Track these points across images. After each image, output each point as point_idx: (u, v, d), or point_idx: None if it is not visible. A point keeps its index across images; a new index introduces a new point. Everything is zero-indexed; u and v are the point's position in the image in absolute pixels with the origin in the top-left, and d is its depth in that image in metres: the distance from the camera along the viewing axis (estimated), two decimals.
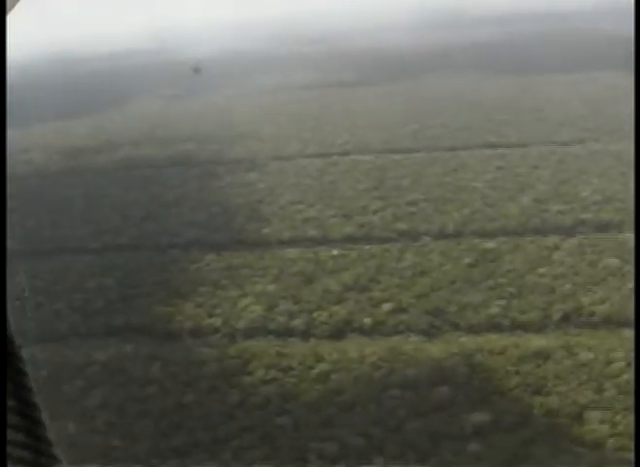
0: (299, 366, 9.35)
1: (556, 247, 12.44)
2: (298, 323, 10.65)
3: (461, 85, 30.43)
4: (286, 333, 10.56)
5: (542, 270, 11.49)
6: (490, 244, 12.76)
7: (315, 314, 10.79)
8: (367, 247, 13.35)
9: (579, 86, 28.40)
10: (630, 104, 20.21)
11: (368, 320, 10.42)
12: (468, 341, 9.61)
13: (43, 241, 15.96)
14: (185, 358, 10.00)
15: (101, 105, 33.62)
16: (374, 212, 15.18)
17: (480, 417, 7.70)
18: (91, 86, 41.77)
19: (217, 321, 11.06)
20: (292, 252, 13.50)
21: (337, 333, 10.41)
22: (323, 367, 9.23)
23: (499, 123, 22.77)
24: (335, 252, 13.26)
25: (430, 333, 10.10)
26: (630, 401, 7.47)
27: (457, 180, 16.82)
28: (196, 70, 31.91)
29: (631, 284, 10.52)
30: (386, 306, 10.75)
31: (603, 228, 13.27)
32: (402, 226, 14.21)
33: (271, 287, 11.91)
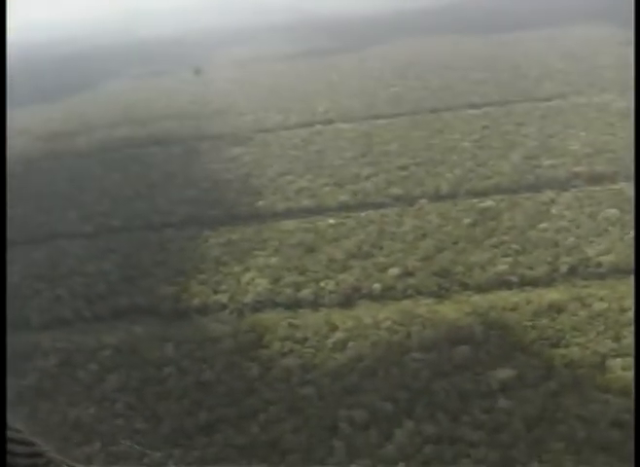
0: (314, 336, 9.34)
1: (553, 202, 12.50)
2: (306, 294, 10.62)
3: (435, 46, 30.36)
4: (295, 304, 10.53)
5: (543, 226, 11.55)
6: (488, 203, 12.78)
7: (322, 284, 10.77)
8: (363, 214, 13.30)
9: (553, 40, 28.45)
10: (608, 56, 20.25)
11: (377, 286, 10.42)
12: (479, 300, 9.65)
13: (33, 228, 15.70)
14: (197, 336, 9.95)
15: (72, 88, 33.07)
16: (367, 178, 15.12)
17: (504, 374, 7.76)
18: (60, 69, 41.06)
19: (223, 297, 11.00)
20: (289, 223, 13.43)
21: (347, 301, 10.40)
22: (339, 335, 9.23)
23: (478, 82, 22.76)
24: (332, 221, 13.20)
25: (440, 294, 10.13)
26: None
27: (445, 141, 16.79)
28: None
29: (632, 233, 10.63)
30: (393, 271, 10.75)
31: (597, 180, 13.34)
32: (396, 191, 14.17)
33: (274, 260, 11.86)
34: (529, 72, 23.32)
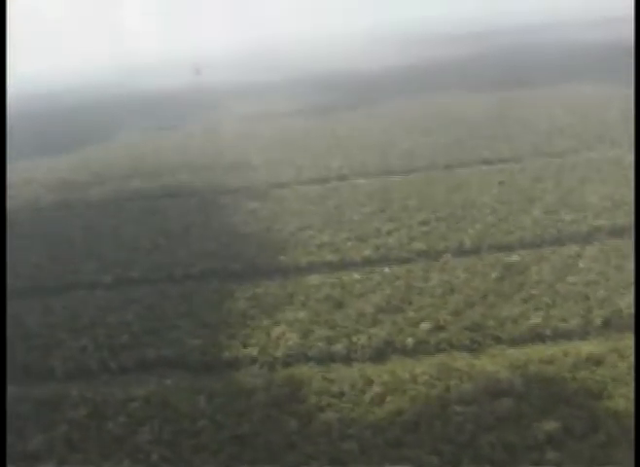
0: (350, 390, 9.25)
1: (579, 255, 12.55)
2: (338, 348, 10.56)
3: (443, 102, 30.85)
4: (327, 358, 10.46)
5: (572, 279, 11.57)
6: (513, 257, 12.82)
7: (354, 338, 10.71)
8: (388, 269, 13.30)
9: (558, 96, 28.97)
10: (615, 112, 20.59)
11: (409, 340, 10.37)
12: (515, 353, 9.61)
13: (51, 277, 15.66)
14: (230, 389, 9.84)
15: (79, 140, 33.36)
16: (388, 233, 15.18)
17: (550, 425, 7.68)
18: (68, 120, 41.53)
19: (253, 350, 10.91)
20: (314, 278, 13.41)
21: (380, 355, 10.34)
22: (376, 389, 9.14)
23: (489, 138, 23.07)
24: (357, 275, 13.20)
25: (474, 348, 10.08)
26: None
27: (463, 197, 16.92)
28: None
29: None
30: (424, 326, 10.71)
31: (619, 233, 13.44)
32: (419, 245, 14.22)
33: (302, 314, 11.81)
34: (538, 128, 23.68)
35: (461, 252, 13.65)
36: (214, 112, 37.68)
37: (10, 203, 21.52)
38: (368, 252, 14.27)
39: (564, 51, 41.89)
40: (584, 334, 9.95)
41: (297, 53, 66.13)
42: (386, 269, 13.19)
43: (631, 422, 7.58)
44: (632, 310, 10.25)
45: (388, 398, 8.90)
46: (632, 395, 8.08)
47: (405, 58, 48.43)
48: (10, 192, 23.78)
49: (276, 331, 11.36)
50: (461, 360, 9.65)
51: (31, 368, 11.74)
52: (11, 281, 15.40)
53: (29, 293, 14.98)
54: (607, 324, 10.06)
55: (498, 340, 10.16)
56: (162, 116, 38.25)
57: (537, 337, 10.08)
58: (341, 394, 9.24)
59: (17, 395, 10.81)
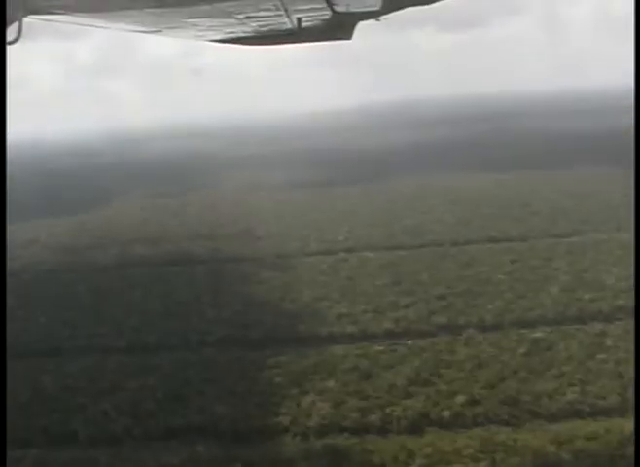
0: (393, 463, 9.13)
1: (604, 333, 12.65)
2: (373, 419, 10.45)
3: (442, 182, 31.32)
4: (362, 429, 10.33)
5: (601, 356, 11.63)
6: (537, 334, 12.88)
7: (388, 410, 10.61)
8: (410, 342, 13.30)
9: (555, 179, 29.63)
10: (610, 194, 20.94)
11: (446, 413, 10.29)
12: (557, 429, 9.57)
13: (62, 340, 15.40)
14: (266, 458, 9.66)
15: (80, 203, 33.27)
16: (406, 307, 15.21)
17: None
18: (65, 183, 41.43)
19: (285, 420, 10.77)
20: (337, 348, 13.36)
21: (415, 427, 10.24)
22: (420, 462, 9.05)
23: (493, 217, 23.36)
24: (380, 347, 13.19)
25: (512, 422, 10.03)
26: None
27: (477, 273, 17.04)
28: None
29: None
30: (459, 399, 10.67)
31: None
32: (440, 319, 14.26)
33: (331, 383, 11.73)
34: (539, 209, 24.09)
35: (483, 327, 13.70)
36: (210, 181, 37.96)
37: (14, 264, 21.33)
38: (388, 324, 14.28)
39: (556, 136, 43.17)
40: (622, 411, 9.93)
41: (288, 128, 67.44)
42: (409, 342, 13.19)
43: None
44: None
45: None
46: None
47: (399, 138, 49.46)
48: (14, 252, 23.64)
49: (306, 400, 11.23)
50: (502, 434, 9.58)
51: (52, 431, 11.44)
52: (22, 342, 15.16)
53: (43, 355, 14.74)
54: None
55: (536, 414, 10.14)
56: (159, 183, 38.43)
57: (575, 413, 10.07)
58: (384, 466, 9.10)
59: (41, 459, 10.54)
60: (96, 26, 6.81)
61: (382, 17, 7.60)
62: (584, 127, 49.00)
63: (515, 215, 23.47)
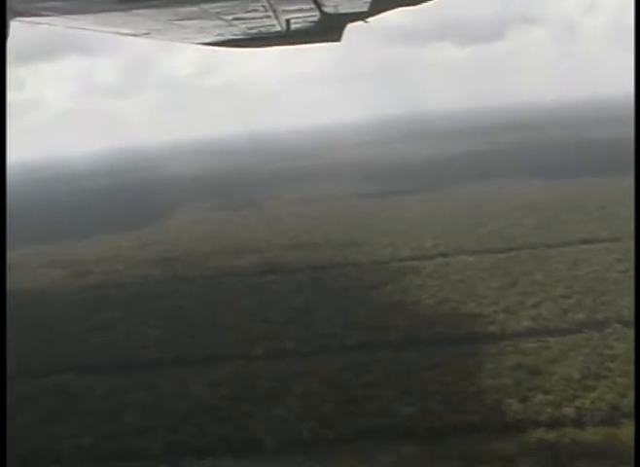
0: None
1: None
2: (567, 412, 10.71)
3: (503, 189, 31.70)
4: (558, 423, 10.61)
5: None
6: None
7: (578, 403, 10.87)
8: (559, 338, 13.59)
9: (617, 185, 29.92)
10: None
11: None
12: None
13: (194, 349, 15.69)
14: (479, 455, 9.88)
15: (142, 217, 33.56)
16: (535, 306, 15.56)
17: None
18: (113, 200, 41.83)
19: (474, 417, 11.05)
20: (487, 347, 13.68)
21: (609, 419, 10.50)
22: None
23: (571, 220, 23.71)
24: (532, 345, 13.46)
25: None
26: None
27: (590, 273, 17.41)
28: None
29: None
30: None
31: None
32: (577, 316, 14.56)
33: (504, 380, 12.04)
34: (616, 212, 24.39)
35: (625, 322, 13.95)
36: (262, 194, 38.18)
37: (95, 279, 21.57)
38: (527, 323, 14.56)
39: (595, 143, 43.56)
40: None
41: (311, 141, 67.77)
42: (562, 339, 13.48)
43: None
44: None
45: None
46: None
47: (438, 148, 49.78)
48: (96, 268, 23.94)
49: (490, 397, 11.48)
50: None
51: (233, 439, 11.63)
52: (155, 352, 15.42)
53: (180, 364, 14.99)
54: None
55: None
56: (211, 197, 38.62)
57: None
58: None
59: None
60: (84, 29, 6.59)
61: (370, 19, 7.34)
62: (621, 134, 49.32)
63: (595, 217, 23.80)
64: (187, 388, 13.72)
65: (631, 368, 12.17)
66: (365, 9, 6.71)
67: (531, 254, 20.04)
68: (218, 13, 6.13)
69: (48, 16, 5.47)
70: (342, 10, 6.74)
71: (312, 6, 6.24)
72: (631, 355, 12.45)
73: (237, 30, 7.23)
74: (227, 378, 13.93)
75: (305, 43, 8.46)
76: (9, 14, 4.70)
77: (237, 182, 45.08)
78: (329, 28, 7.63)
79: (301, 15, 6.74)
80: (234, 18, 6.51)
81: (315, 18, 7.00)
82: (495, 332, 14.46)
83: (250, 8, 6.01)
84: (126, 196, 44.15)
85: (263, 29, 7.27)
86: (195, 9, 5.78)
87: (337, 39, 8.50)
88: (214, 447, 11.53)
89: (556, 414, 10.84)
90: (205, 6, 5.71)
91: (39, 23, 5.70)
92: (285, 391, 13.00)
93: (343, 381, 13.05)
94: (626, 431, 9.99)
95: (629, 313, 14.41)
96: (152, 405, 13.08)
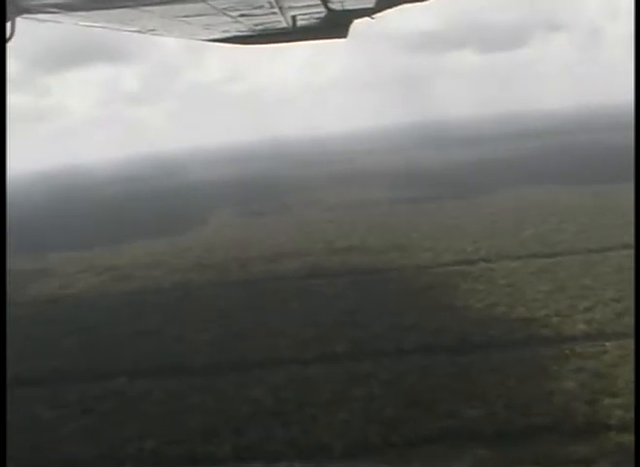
0: None
1: None
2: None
3: (538, 194, 31.78)
4: (631, 426, 10.61)
5: None
6: None
7: None
8: (609, 343, 13.66)
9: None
10: None
11: None
12: None
13: (240, 352, 15.79)
14: (555, 459, 9.94)
15: (176, 223, 33.87)
16: (588, 310, 15.59)
17: None
18: (141, 206, 42.16)
19: (544, 420, 11.06)
20: (544, 350, 13.78)
21: None
22: None
23: (612, 226, 23.59)
24: (589, 349, 13.52)
25: None
26: None
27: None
28: None
29: None
30: None
31: None
32: (632, 320, 14.52)
33: (570, 384, 12.14)
34: None
35: None
36: (293, 199, 38.43)
37: (141, 284, 21.77)
38: (581, 327, 14.60)
39: (622, 149, 43.33)
40: None
41: (332, 148, 68.21)
42: (618, 343, 13.53)
43: None
44: None
45: None
46: None
47: (464, 154, 49.86)
48: (133, 273, 24.20)
49: (557, 400, 11.53)
50: None
51: (301, 444, 11.68)
52: (207, 356, 15.58)
53: (234, 368, 15.10)
54: None
55: None
56: (243, 203, 38.90)
57: None
58: None
59: None
60: (90, 26, 6.70)
61: (377, 16, 7.55)
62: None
63: (633, 222, 23.68)
64: (247, 392, 13.82)
65: None
66: (371, 5, 6.98)
67: (575, 259, 20.09)
68: (224, 9, 6.35)
69: (54, 12, 5.64)
70: (349, 6, 7.01)
71: (318, 2, 6.52)
72: None
73: (243, 27, 7.53)
74: (285, 383, 14.04)
75: (312, 39, 8.75)
76: (15, 11, 4.87)
77: (266, 188, 45.34)
78: (335, 25, 7.93)
79: (307, 11, 7.01)
80: (240, 15, 6.75)
81: (321, 15, 7.28)
82: (550, 335, 14.51)
83: (256, 4, 6.23)
84: (156, 202, 44.49)
85: (269, 26, 7.61)
86: (201, 5, 5.99)
87: (344, 35, 8.74)
88: (283, 451, 11.61)
89: (628, 417, 10.89)
90: (212, 2, 5.90)
91: (45, 20, 5.83)
92: (346, 395, 13.10)
93: (404, 385, 13.12)
94: None
95: None
96: (214, 409, 13.19)
